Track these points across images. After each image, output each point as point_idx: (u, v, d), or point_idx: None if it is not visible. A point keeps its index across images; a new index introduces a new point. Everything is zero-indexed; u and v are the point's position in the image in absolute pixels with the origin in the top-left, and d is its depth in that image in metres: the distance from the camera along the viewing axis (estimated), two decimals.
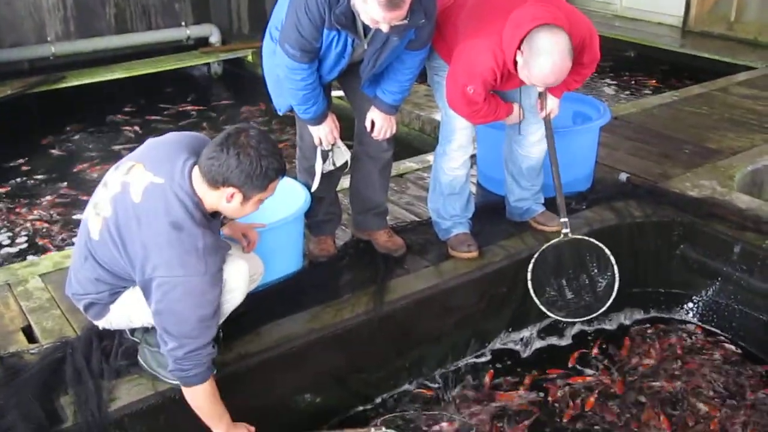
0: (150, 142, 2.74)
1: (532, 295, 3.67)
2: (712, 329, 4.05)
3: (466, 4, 3.41)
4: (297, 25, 3.05)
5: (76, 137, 7.22)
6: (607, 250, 3.71)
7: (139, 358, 2.93)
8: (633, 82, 8.51)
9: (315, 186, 3.57)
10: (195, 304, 2.54)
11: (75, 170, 6.53)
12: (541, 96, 3.64)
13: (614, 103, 7.12)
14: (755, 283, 3.86)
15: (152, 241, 2.52)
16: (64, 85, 7.64)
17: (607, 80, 8.50)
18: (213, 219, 2.68)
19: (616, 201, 4.31)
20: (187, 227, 2.52)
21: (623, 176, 4.58)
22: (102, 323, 2.88)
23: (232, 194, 2.55)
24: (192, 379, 2.61)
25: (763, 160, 5.01)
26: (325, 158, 3.53)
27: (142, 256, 2.54)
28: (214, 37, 8.79)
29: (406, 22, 2.96)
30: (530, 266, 3.68)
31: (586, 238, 3.80)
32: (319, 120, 3.39)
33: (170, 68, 8.35)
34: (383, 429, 2.75)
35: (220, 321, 2.81)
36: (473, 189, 4.13)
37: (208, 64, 8.82)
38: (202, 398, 2.67)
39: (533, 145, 3.83)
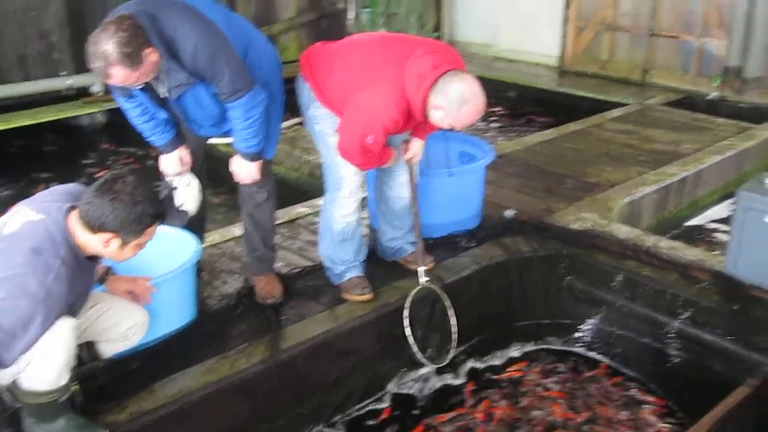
0: (40, 191, 2.80)
1: (411, 342, 3.71)
2: (598, 357, 4.20)
3: (346, 57, 3.47)
4: None
5: None
6: (446, 301, 3.80)
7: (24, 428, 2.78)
8: (514, 120, 8.81)
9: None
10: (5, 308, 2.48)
11: None
12: (407, 140, 3.72)
13: (498, 142, 7.35)
14: (637, 309, 4.03)
15: (9, 262, 2.53)
16: None
17: (491, 120, 8.77)
18: (91, 261, 2.73)
19: (504, 237, 4.45)
20: (47, 255, 2.55)
21: (510, 213, 4.71)
22: None
23: (109, 239, 2.63)
24: None
25: (639, 191, 5.29)
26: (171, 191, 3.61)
27: None
28: (96, 87, 8.57)
29: (138, 84, 3.07)
30: (405, 313, 3.70)
31: (434, 287, 3.83)
32: (162, 150, 3.51)
33: (50, 119, 8.08)
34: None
35: (42, 382, 2.67)
36: (365, 231, 4.16)
37: (90, 113, 8.58)
38: None
39: (403, 186, 3.88)
